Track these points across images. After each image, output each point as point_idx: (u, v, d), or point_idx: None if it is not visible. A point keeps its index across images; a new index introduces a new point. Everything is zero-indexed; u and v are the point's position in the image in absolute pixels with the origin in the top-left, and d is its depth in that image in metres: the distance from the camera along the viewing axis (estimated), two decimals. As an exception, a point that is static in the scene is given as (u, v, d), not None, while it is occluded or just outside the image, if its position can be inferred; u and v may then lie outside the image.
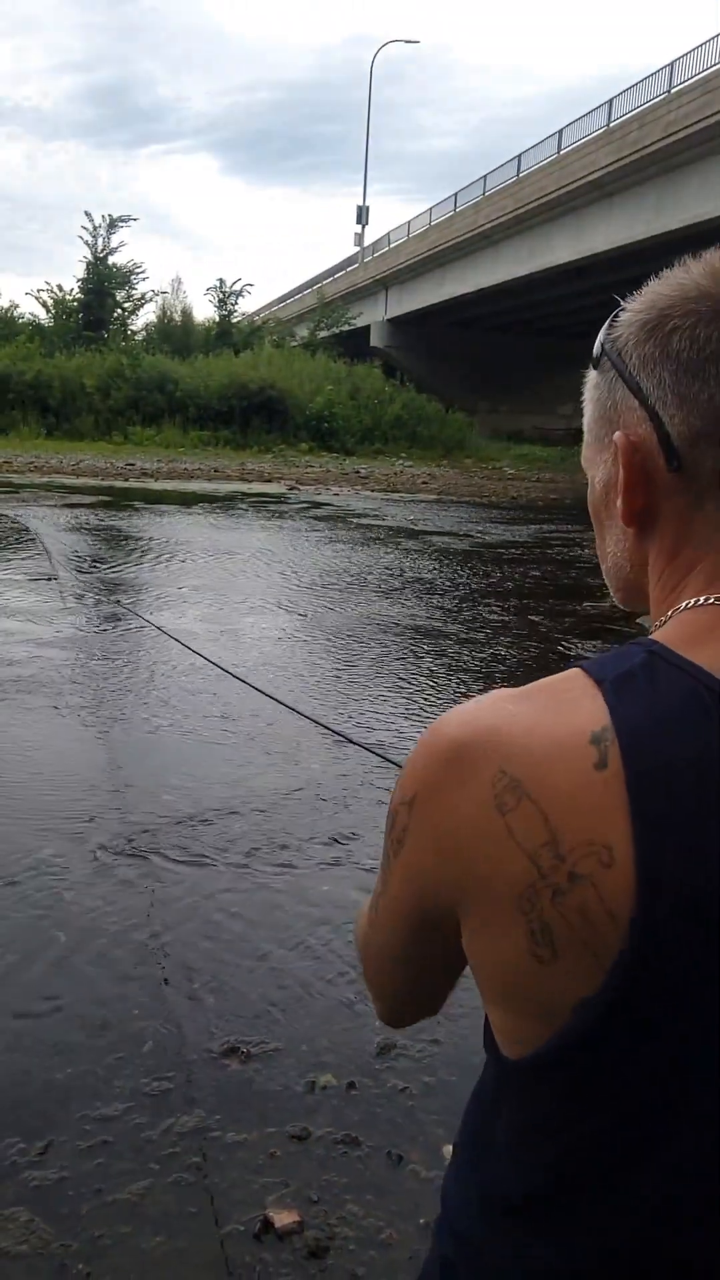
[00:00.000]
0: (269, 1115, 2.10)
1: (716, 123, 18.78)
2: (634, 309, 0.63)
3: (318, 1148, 2.01)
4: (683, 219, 20.87)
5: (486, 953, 0.58)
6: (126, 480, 19.57)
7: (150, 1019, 2.39)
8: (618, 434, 0.62)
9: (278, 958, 2.69)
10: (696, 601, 0.60)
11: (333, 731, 4.32)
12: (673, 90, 20.78)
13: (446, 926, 0.60)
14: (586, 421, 0.68)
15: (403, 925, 0.64)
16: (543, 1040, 0.56)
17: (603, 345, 0.64)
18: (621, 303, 0.64)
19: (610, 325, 0.64)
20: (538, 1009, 0.56)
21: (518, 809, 0.54)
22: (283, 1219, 1.81)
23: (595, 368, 0.66)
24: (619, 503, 0.63)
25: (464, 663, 6.17)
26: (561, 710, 0.56)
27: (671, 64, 20.96)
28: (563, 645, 6.75)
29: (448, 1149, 1.98)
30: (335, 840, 3.47)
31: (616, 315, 0.64)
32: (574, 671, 0.58)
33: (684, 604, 0.60)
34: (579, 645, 6.72)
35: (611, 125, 23.02)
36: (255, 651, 6.20)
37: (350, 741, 3.70)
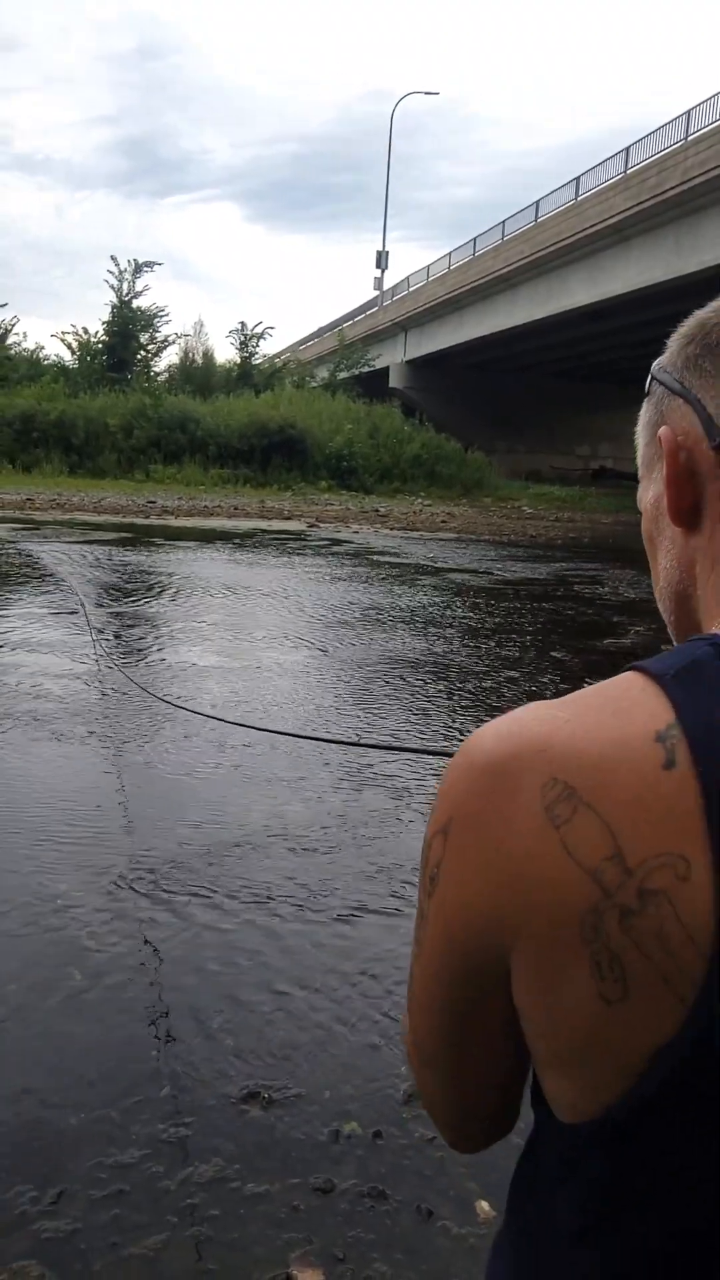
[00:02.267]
0: (291, 1165, 2.00)
1: (733, 169, 19.03)
2: (679, 331, 0.64)
3: (343, 1201, 1.91)
4: (701, 261, 21.09)
5: (541, 1001, 0.50)
6: (147, 517, 19.74)
7: (167, 1062, 2.30)
8: (662, 429, 0.61)
9: (299, 999, 2.60)
10: None
11: (351, 744, 4.25)
12: (689, 137, 21.12)
13: (498, 980, 0.52)
14: (639, 453, 0.66)
15: (446, 987, 0.55)
16: (612, 1101, 0.48)
17: (651, 372, 0.65)
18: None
19: (660, 356, 0.65)
20: (605, 1063, 0.48)
21: (574, 820, 0.47)
22: (306, 1278, 1.71)
23: (646, 397, 0.65)
24: (666, 502, 0.60)
25: (485, 696, 6.09)
26: (619, 711, 0.49)
27: (688, 112, 21.34)
28: (587, 680, 6.62)
29: (481, 1205, 1.87)
30: (358, 878, 3.39)
31: (668, 342, 0.64)
32: (628, 673, 0.52)
33: None
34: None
35: (629, 172, 23.41)
36: (273, 686, 6.15)
37: (361, 744, 3.63)
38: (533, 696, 6.21)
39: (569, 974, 0.48)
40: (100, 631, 7.62)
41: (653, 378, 0.64)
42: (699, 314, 0.63)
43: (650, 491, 0.64)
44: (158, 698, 4.74)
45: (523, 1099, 0.61)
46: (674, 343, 0.63)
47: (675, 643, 0.63)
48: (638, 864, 0.46)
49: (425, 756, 4.79)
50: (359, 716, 5.52)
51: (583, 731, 0.49)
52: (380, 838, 3.77)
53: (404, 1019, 0.62)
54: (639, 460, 0.67)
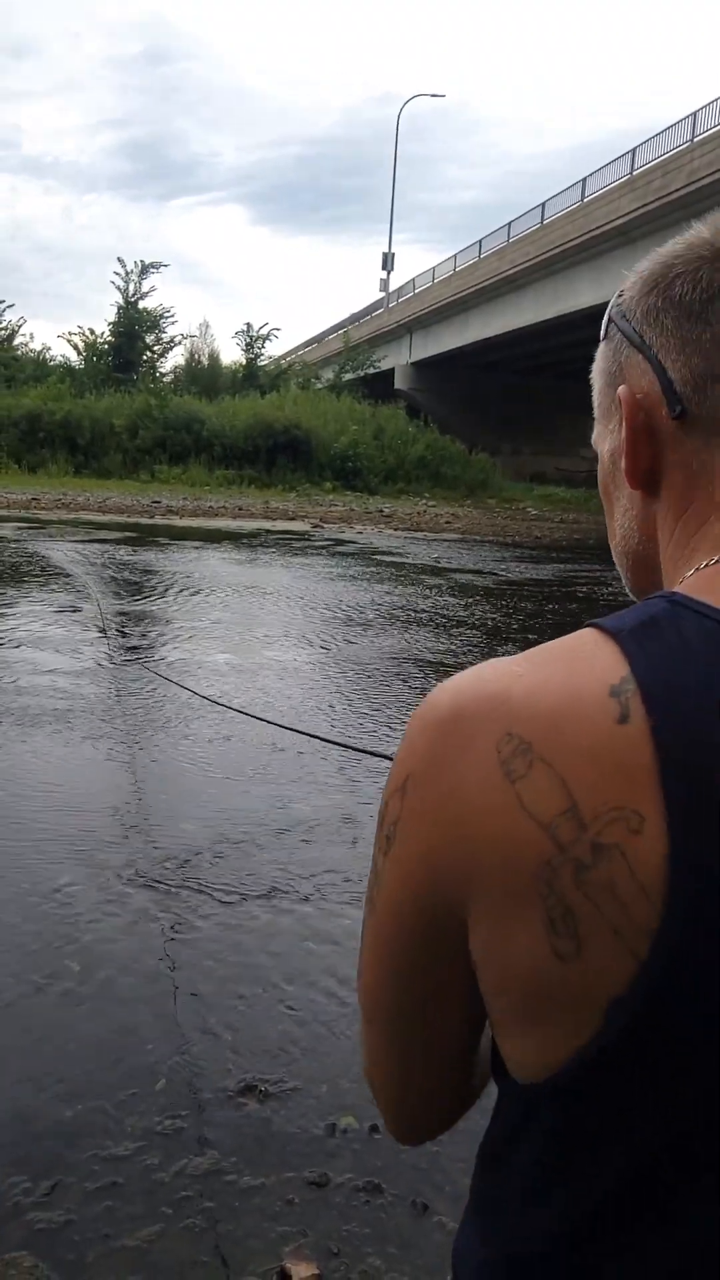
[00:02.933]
0: (287, 1159, 1.99)
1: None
2: (639, 270, 0.61)
3: (338, 1195, 1.90)
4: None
5: (496, 957, 0.49)
6: (152, 517, 19.76)
7: (164, 1055, 2.29)
8: (621, 388, 0.59)
9: (298, 993, 2.60)
10: (711, 562, 0.54)
11: (357, 750, 4.24)
12: (695, 139, 21.10)
13: (455, 938, 0.51)
14: (595, 397, 0.65)
15: (402, 947, 0.54)
16: (568, 1057, 0.48)
17: (610, 313, 0.62)
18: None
19: (618, 294, 0.62)
20: (559, 1019, 0.48)
21: (529, 775, 0.47)
22: (300, 1271, 1.70)
23: (603, 339, 0.63)
24: (623, 463, 0.59)
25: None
26: (574, 665, 0.49)
27: (694, 114, 21.30)
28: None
29: (476, 1199, 1.86)
30: (360, 876, 3.38)
31: (623, 284, 0.62)
32: (584, 630, 0.51)
33: (702, 563, 0.55)
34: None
35: (634, 174, 23.38)
36: (277, 684, 6.15)
37: (371, 754, 3.62)
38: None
39: (523, 929, 0.47)
40: (106, 630, 7.62)
41: (611, 320, 0.62)
42: (662, 251, 0.59)
43: (607, 443, 0.63)
44: (198, 694, 4.72)
45: (469, 1095, 0.60)
46: (635, 285, 0.60)
47: (635, 599, 0.61)
48: (592, 818, 0.46)
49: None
50: (365, 715, 5.51)
51: (538, 686, 0.49)
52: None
53: (357, 985, 0.60)
54: (594, 403, 0.65)
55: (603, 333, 0.63)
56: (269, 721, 4.51)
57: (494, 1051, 0.54)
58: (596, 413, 0.65)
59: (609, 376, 0.62)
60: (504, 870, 0.48)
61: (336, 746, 4.56)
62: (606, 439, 0.63)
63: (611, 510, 0.64)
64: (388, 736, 5.10)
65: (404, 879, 0.53)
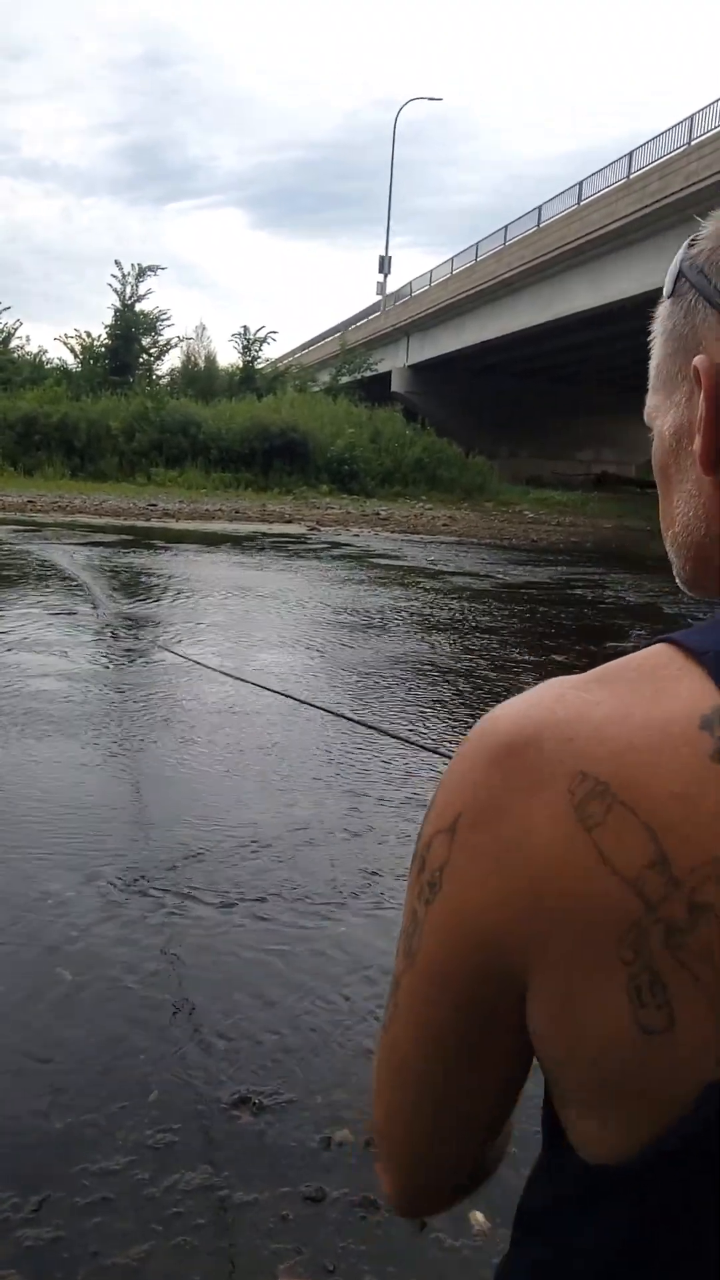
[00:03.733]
0: (282, 1173, 1.95)
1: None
2: (718, 217, 0.53)
3: (334, 1210, 1.86)
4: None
5: (565, 1030, 0.43)
6: (149, 520, 19.71)
7: (157, 1065, 2.25)
8: (698, 358, 0.51)
9: (293, 1003, 2.55)
10: None
11: (368, 727, 4.19)
12: (693, 142, 21.13)
13: (509, 1003, 0.45)
14: (654, 363, 0.57)
15: (439, 1010, 0.47)
16: (645, 1143, 0.42)
17: (680, 266, 0.53)
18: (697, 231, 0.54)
19: (689, 244, 0.54)
20: (638, 1101, 0.41)
21: (608, 820, 0.41)
22: (295, 1290, 1.66)
23: (670, 296, 0.55)
24: (696, 444, 0.51)
25: (489, 699, 6.04)
26: (654, 692, 0.43)
27: (691, 117, 21.34)
28: (587, 684, 6.60)
29: (475, 1216, 1.82)
30: (358, 881, 3.34)
31: (695, 236, 0.53)
32: (659, 646, 0.46)
33: None
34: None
35: (631, 176, 23.41)
36: (276, 687, 6.10)
37: (385, 733, 3.58)
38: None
39: (601, 1000, 0.41)
40: (104, 632, 7.58)
41: (682, 274, 0.53)
42: None
43: (670, 417, 0.55)
44: (226, 675, 4.62)
45: (488, 1169, 0.55)
46: (713, 237, 0.52)
47: (687, 592, 0.56)
48: (686, 873, 0.40)
49: (436, 759, 4.74)
50: (357, 711, 5.48)
51: (615, 716, 0.43)
52: (383, 842, 3.72)
53: (381, 1036, 0.53)
54: (652, 369, 0.57)
55: (668, 289, 0.55)
56: (284, 694, 4.46)
57: (546, 1110, 0.48)
58: (654, 382, 0.57)
59: (678, 341, 0.54)
60: (579, 932, 0.41)
61: (352, 723, 4.51)
62: (669, 413, 0.55)
63: (670, 494, 0.56)
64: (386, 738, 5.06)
65: (451, 936, 0.46)
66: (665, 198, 21.27)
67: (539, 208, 28.63)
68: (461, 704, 5.95)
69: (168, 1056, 2.28)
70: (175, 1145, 1.99)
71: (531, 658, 7.56)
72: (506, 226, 30.71)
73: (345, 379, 37.24)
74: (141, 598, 9.61)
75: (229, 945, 2.84)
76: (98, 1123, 2.04)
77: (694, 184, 20.20)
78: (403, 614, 9.35)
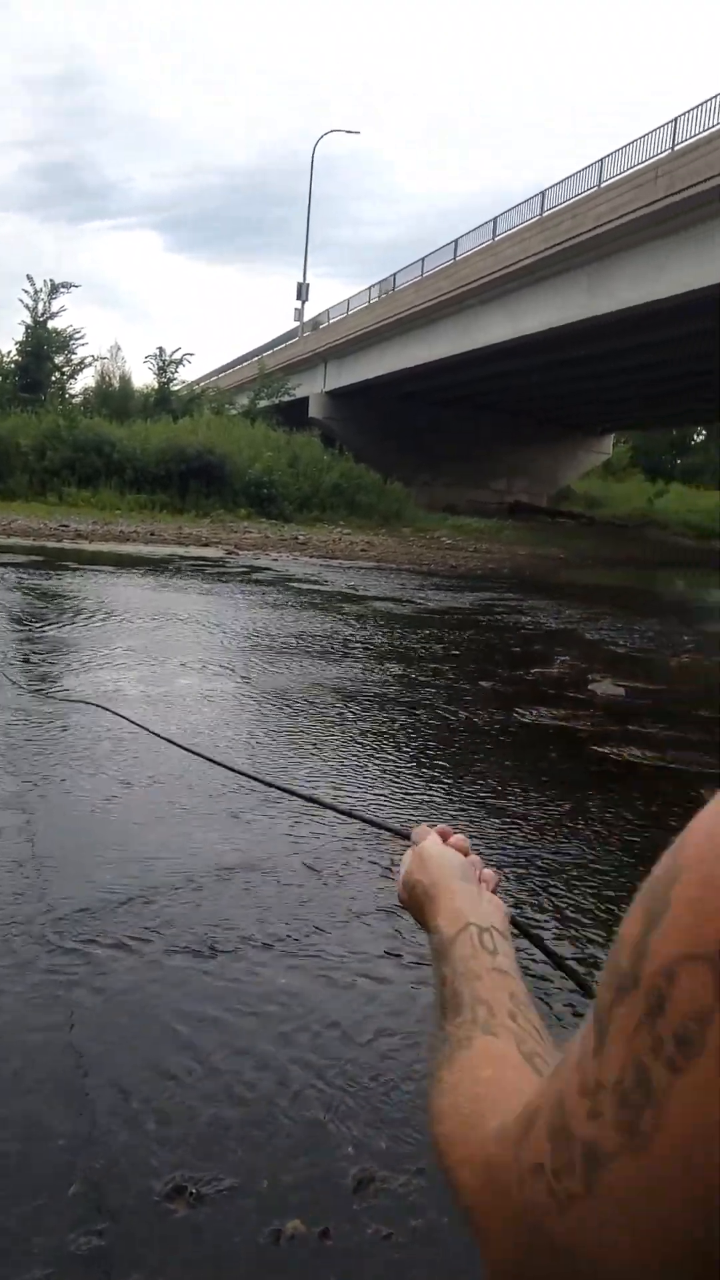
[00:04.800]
0: (224, 1277, 1.71)
1: (643, 216, 19.74)
2: None
3: (287, 1321, 1.63)
4: (612, 305, 21.77)
5: None
6: (60, 541, 19.09)
7: (78, 1152, 1.98)
8: None
9: (231, 1068, 2.31)
10: None
11: (278, 789, 3.98)
12: (602, 185, 21.88)
13: None
14: None
15: (682, 1215, 0.32)
16: None
17: None
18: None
19: None
20: None
21: None
22: None
23: None
24: None
25: (415, 727, 5.89)
26: None
27: (601, 160, 22.12)
28: (517, 710, 6.54)
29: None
30: (292, 924, 3.11)
31: None
32: None
33: None
34: (533, 711, 6.51)
35: (544, 215, 24.10)
36: (193, 715, 5.83)
37: (293, 794, 3.37)
38: (462, 727, 6.04)
39: None
40: (3, 657, 7.16)
41: None
42: None
43: None
44: (152, 732, 4.38)
45: None
46: None
47: None
48: None
49: (354, 787, 4.55)
50: (288, 750, 5.25)
51: None
52: (326, 883, 3.50)
53: (549, 1216, 0.37)
54: None
55: None
56: (204, 756, 4.20)
57: None
58: None
59: None
60: None
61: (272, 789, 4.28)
62: None
63: None
64: (313, 773, 4.85)
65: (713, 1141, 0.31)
66: (576, 237, 21.95)
67: (455, 241, 29.23)
68: (390, 733, 5.79)
69: (90, 1140, 2.01)
70: (103, 1251, 1.73)
71: (458, 683, 7.46)
72: (424, 258, 31.26)
73: (263, 403, 37.16)
74: (52, 622, 9.18)
75: (154, 1004, 2.57)
76: (8, 1228, 1.77)
77: (603, 224, 20.89)
78: (326, 639, 9.17)
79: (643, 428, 49.66)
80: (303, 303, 44.33)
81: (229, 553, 19.47)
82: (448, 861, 0.79)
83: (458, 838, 0.85)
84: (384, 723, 5.97)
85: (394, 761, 5.11)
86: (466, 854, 0.82)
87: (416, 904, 0.78)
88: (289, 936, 3.01)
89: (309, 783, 4.58)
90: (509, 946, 0.67)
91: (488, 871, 0.81)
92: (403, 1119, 2.14)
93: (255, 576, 15.25)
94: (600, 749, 5.63)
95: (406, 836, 0.89)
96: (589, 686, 7.48)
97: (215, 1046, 2.39)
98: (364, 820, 1.51)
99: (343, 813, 2.00)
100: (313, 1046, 2.40)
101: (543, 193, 24.60)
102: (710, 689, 8.60)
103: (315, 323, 42.61)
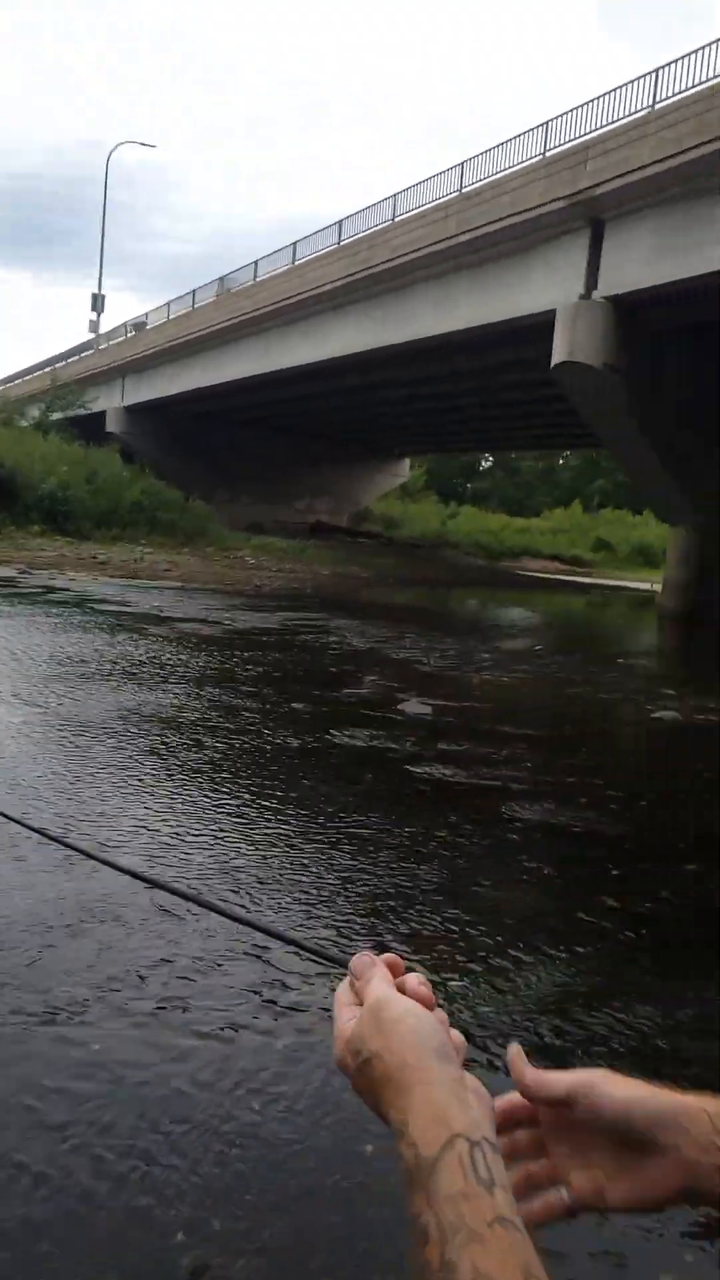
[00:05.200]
0: None
1: (435, 252, 20.68)
2: None
3: None
4: (407, 335, 22.63)
5: None
6: None
7: None
8: None
9: (36, 1155, 2.05)
10: None
11: (81, 853, 3.69)
12: (395, 219, 22.73)
13: None
14: None
15: None
16: None
17: None
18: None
19: None
20: None
21: None
22: None
23: None
24: None
25: (227, 755, 5.71)
26: None
27: (395, 195, 22.98)
28: (331, 732, 6.50)
29: None
30: (95, 978, 2.86)
31: None
32: None
33: None
34: (346, 732, 6.50)
35: (343, 243, 24.72)
36: (-12, 750, 5.35)
37: (93, 858, 3.14)
38: (276, 752, 5.90)
39: None
40: None
41: None
42: None
43: None
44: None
45: None
46: None
47: None
48: None
49: (156, 833, 4.32)
50: (78, 782, 4.92)
51: None
52: (131, 931, 3.25)
53: None
54: None
55: None
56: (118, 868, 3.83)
57: None
58: None
59: None
60: None
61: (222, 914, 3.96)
62: None
63: None
64: (116, 814, 4.57)
65: None
66: (374, 266, 22.64)
67: (255, 262, 29.38)
68: (198, 763, 5.58)
69: None
70: None
71: (269, 706, 7.35)
72: (223, 277, 31.21)
73: (56, 415, 35.61)
74: None
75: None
76: None
77: (399, 256, 21.70)
78: (131, 663, 8.78)
79: (435, 452, 51.96)
80: (99, 314, 43.00)
81: (21, 572, 18.35)
82: (420, 1031, 0.58)
83: (415, 980, 0.63)
84: (207, 750, 5.75)
85: (225, 794, 4.91)
86: (431, 1007, 0.61)
87: (371, 1086, 0.58)
88: (92, 987, 2.76)
89: (148, 830, 4.31)
90: (501, 1164, 0.51)
91: (456, 1035, 0.60)
92: (237, 1189, 1.98)
93: (53, 597, 14.45)
94: (414, 769, 5.70)
95: (338, 962, 0.67)
96: (398, 706, 7.59)
97: (11, 1129, 2.12)
98: (285, 939, 1.24)
99: (262, 930, 1.77)
100: (122, 1117, 2.19)
101: (340, 222, 25.27)
102: (510, 705, 8.99)
103: (112, 335, 41.45)
